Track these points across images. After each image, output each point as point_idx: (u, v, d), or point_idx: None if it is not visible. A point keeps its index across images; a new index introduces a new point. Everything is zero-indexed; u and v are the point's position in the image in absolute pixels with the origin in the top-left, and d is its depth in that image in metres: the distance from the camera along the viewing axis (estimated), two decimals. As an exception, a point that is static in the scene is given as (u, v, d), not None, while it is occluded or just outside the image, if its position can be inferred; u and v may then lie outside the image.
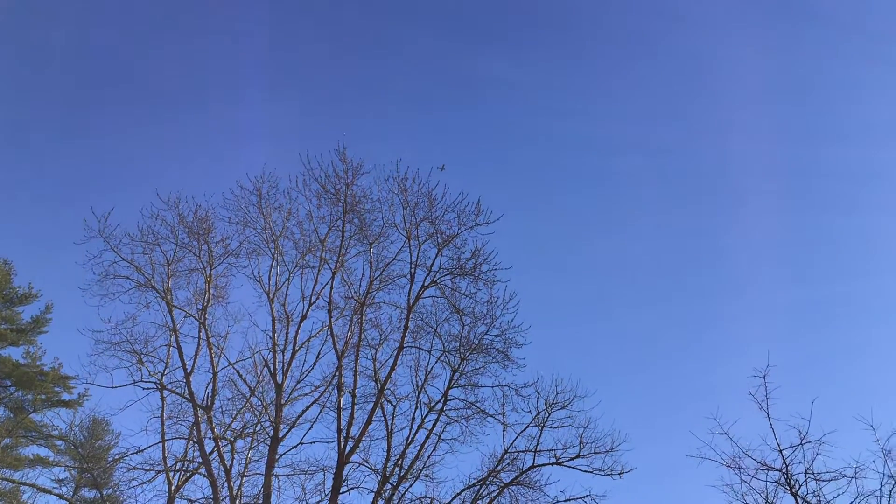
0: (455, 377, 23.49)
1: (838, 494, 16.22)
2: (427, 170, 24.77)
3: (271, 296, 25.36)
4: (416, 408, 23.34)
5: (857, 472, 16.10)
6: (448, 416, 23.48)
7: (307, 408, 24.40)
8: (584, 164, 67.46)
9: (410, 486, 22.87)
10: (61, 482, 42.26)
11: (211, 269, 25.77)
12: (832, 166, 61.74)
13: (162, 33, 63.14)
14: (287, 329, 25.06)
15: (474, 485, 22.42)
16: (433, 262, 24.61)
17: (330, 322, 24.58)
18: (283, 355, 24.64)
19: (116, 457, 27.77)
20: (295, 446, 24.14)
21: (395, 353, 23.84)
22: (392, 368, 23.63)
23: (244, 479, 24.45)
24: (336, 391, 23.68)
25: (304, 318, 25.05)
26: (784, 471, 16.74)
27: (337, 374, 23.85)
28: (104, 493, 30.82)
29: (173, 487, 23.97)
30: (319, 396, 24.46)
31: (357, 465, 23.01)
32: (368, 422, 23.04)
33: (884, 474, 15.87)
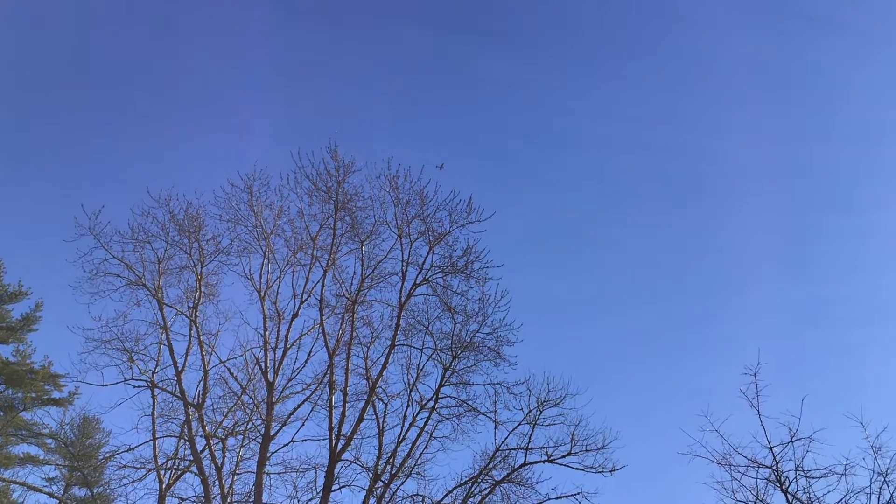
0: (447, 375, 23.51)
1: (828, 491, 16.29)
2: (419, 168, 24.90)
3: (262, 294, 25.32)
4: (408, 406, 23.37)
5: (847, 470, 16.15)
6: (440, 414, 23.52)
7: (298, 406, 24.39)
8: (582, 163, 67.53)
9: (402, 483, 22.90)
10: (51, 480, 42.05)
11: (202, 267, 25.72)
12: (829, 166, 62.06)
13: (153, 31, 62.83)
14: (278, 327, 25.05)
15: (466, 482, 22.44)
16: (425, 259, 24.67)
17: (321, 320, 24.56)
18: (275, 353, 24.62)
19: (107, 455, 27.73)
20: (286, 444, 24.12)
21: (387, 351, 23.86)
22: (384, 366, 23.65)
23: (235, 477, 24.42)
24: (327, 389, 23.66)
25: (295, 315, 25.02)
26: (774, 468, 16.79)
27: (328, 372, 23.84)
28: (95, 491, 30.67)
29: (164, 486, 23.89)
30: (311, 394, 24.44)
31: (348, 462, 23.02)
32: (360, 420, 23.03)
33: (873, 471, 15.93)
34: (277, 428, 23.73)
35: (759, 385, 17.20)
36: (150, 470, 23.85)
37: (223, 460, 23.70)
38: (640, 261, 64.87)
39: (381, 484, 22.31)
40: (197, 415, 23.57)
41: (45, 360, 38.44)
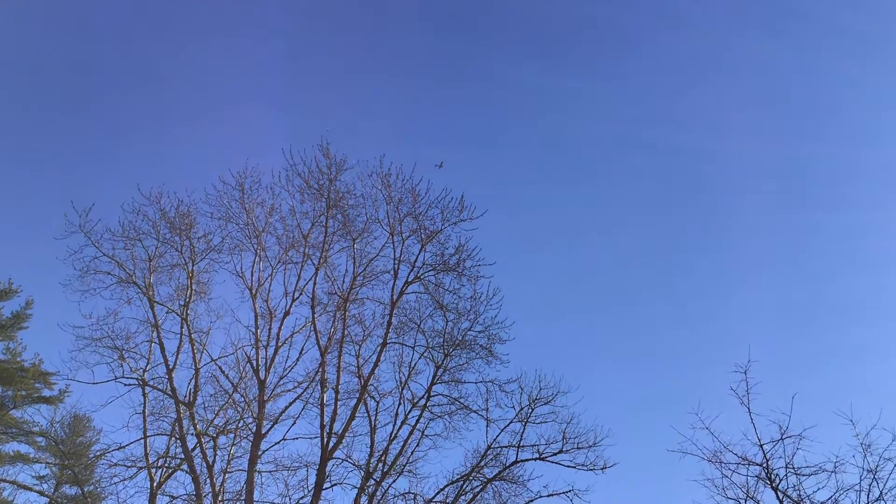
0: (439, 373, 23.54)
1: (818, 489, 16.32)
2: (411, 165, 24.92)
3: (254, 291, 25.30)
4: (400, 404, 23.40)
5: (837, 467, 16.18)
6: (431, 412, 23.55)
7: (290, 404, 24.43)
8: (578, 162, 67.59)
9: (394, 481, 22.94)
10: (42, 479, 41.88)
11: (193, 265, 25.67)
12: (826, 166, 62.28)
13: (144, 28, 62.58)
14: (270, 325, 25.05)
15: (458, 480, 22.46)
16: (417, 257, 24.70)
17: (313, 318, 24.53)
18: (266, 351, 24.63)
19: (98, 453, 27.60)
20: (278, 442, 24.16)
21: (379, 349, 23.87)
22: (375, 364, 23.65)
23: (227, 475, 24.38)
24: (319, 387, 23.64)
25: (287, 313, 25.01)
26: (765, 465, 16.82)
27: (320, 370, 23.82)
28: (85, 489, 30.59)
29: (155, 484, 23.82)
30: (302, 392, 24.49)
31: (340, 461, 23.04)
32: (352, 418, 23.03)
33: (863, 468, 15.96)
34: (269, 426, 23.75)
35: (750, 383, 17.24)
36: (140, 468, 23.83)
37: (214, 458, 23.69)
38: (637, 259, 65.00)
39: (372, 482, 22.31)
40: (188, 413, 23.52)
41: (36, 358, 38.25)
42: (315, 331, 24.35)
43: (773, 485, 16.68)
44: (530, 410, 22.96)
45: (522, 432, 22.81)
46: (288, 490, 23.51)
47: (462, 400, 23.63)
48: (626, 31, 66.39)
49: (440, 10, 66.27)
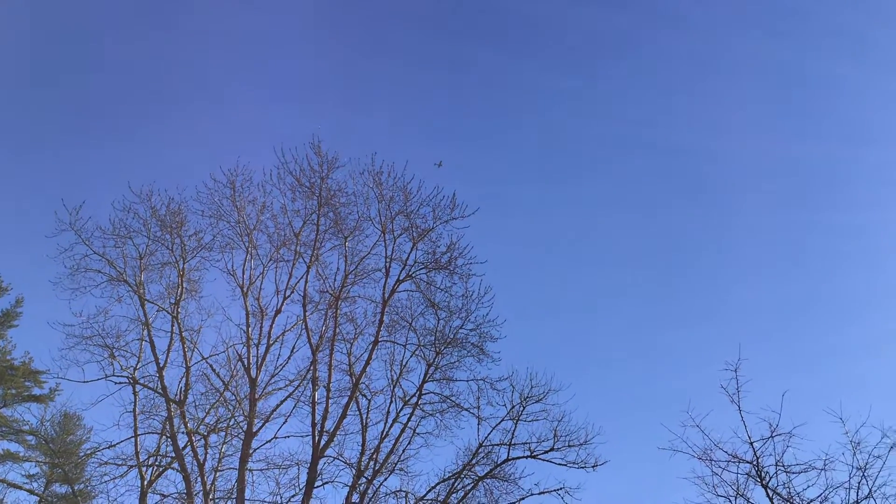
0: (430, 371, 23.55)
1: (808, 486, 16.38)
2: (403, 164, 24.94)
3: (245, 290, 25.23)
4: (391, 402, 23.44)
5: (827, 464, 16.24)
6: (423, 410, 23.57)
7: (281, 402, 24.39)
8: (576, 162, 67.69)
9: (385, 479, 22.97)
10: (32, 477, 41.66)
11: (184, 263, 25.59)
12: (821, 165, 62.47)
13: (136, 27, 62.35)
14: (261, 323, 24.99)
15: (449, 478, 22.48)
16: (408, 255, 24.72)
17: (304, 316, 24.51)
18: (258, 349, 24.58)
19: (88, 452, 27.52)
20: (269, 441, 24.11)
21: (370, 347, 23.84)
22: (367, 362, 23.65)
23: (218, 473, 24.33)
24: (310, 385, 23.63)
25: (278, 312, 24.97)
26: (755, 463, 16.88)
27: (311, 368, 23.80)
28: (76, 488, 30.55)
29: (146, 482, 23.78)
30: (294, 391, 24.45)
31: (332, 459, 23.04)
32: (343, 416, 23.02)
33: (853, 466, 16.02)
34: (260, 424, 23.71)
35: (740, 381, 17.31)
36: (131, 467, 23.77)
37: (205, 457, 23.64)
38: (630, 258, 65.12)
39: (364, 480, 22.31)
40: (179, 411, 23.46)
41: (26, 357, 38.13)
42: (306, 329, 24.35)
43: (763, 482, 16.74)
44: (521, 408, 23.01)
45: (514, 430, 22.88)
46: (279, 488, 23.50)
47: (453, 398, 23.70)
48: (626, 30, 66.52)
49: (439, 11, 66.18)
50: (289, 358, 24.78)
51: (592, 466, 22.12)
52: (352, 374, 23.75)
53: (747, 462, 17.00)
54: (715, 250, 66.39)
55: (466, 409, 23.48)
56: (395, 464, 23.00)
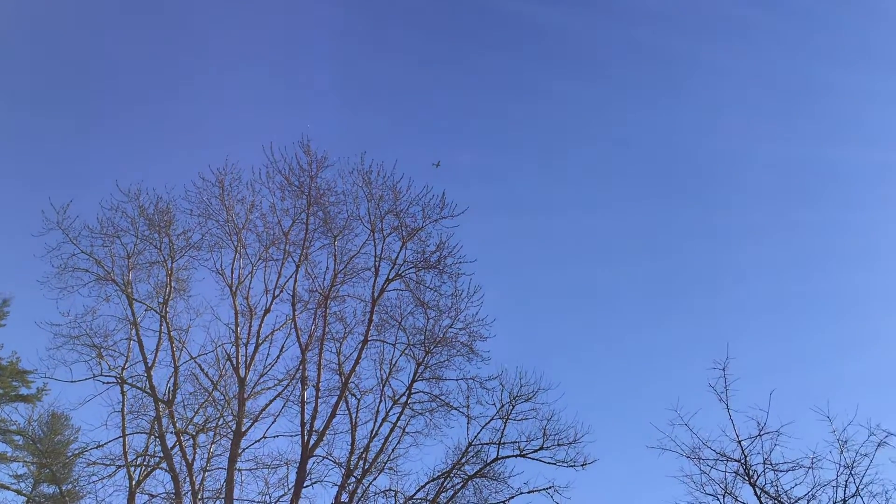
0: (419, 370, 23.54)
1: (795, 484, 16.47)
2: (392, 164, 24.97)
3: (234, 289, 25.15)
4: (381, 401, 23.41)
5: (814, 463, 16.35)
6: (412, 409, 23.56)
7: (270, 402, 24.33)
8: (575, 160, 67.74)
9: (375, 479, 22.94)
10: (20, 478, 41.47)
11: (172, 262, 25.50)
12: (820, 164, 62.72)
13: (124, 25, 62.06)
14: (250, 322, 24.91)
15: (438, 477, 22.48)
16: (398, 255, 24.71)
17: (294, 315, 24.47)
18: (246, 349, 24.50)
19: (76, 452, 27.41)
20: (258, 440, 24.07)
21: (360, 346, 23.83)
22: (356, 362, 23.62)
23: (206, 473, 24.25)
24: (300, 385, 23.58)
25: (267, 311, 24.91)
26: (743, 461, 16.96)
27: (301, 367, 23.76)
28: (63, 488, 30.36)
29: (134, 482, 23.70)
30: (283, 390, 24.38)
31: (321, 458, 22.99)
32: (332, 415, 23.00)
33: (840, 464, 16.11)
34: (249, 424, 23.64)
35: (728, 379, 17.39)
36: (119, 467, 23.67)
37: (194, 457, 23.56)
38: (621, 257, 65.22)
39: (353, 479, 22.28)
40: (167, 411, 23.39)
41: (13, 356, 37.92)
42: (296, 328, 24.31)
43: (751, 480, 16.82)
44: (511, 407, 23.01)
45: (503, 429, 22.87)
46: (268, 488, 23.45)
47: (443, 397, 23.69)
48: (627, 30, 66.58)
49: (437, 10, 66.11)
50: (278, 357, 24.76)
51: (581, 465, 22.16)
52: (341, 373, 23.72)
53: (735, 460, 17.08)
54: (707, 250, 66.66)
55: (456, 409, 23.50)
56: (385, 463, 22.99)
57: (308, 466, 22.36)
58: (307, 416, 22.90)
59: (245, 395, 23.61)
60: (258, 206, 25.93)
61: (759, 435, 16.87)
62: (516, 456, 22.68)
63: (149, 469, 24.51)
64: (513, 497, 22.30)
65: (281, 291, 25.07)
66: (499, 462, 22.70)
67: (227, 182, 25.74)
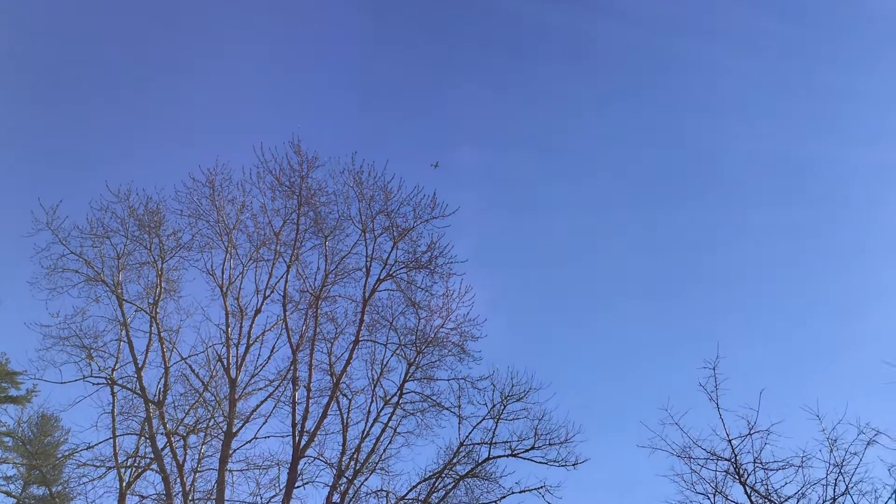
0: (411, 370, 23.55)
1: (785, 483, 16.56)
2: (382, 163, 24.91)
3: (225, 289, 25.08)
4: (372, 401, 23.40)
5: (804, 461, 16.45)
6: (404, 410, 23.56)
7: (261, 402, 24.26)
8: (574, 161, 67.72)
9: (366, 479, 22.92)
10: (9, 479, 41.26)
11: (162, 263, 25.41)
12: (818, 164, 62.86)
13: (115, 26, 61.78)
14: (241, 323, 24.85)
15: (430, 478, 22.48)
16: (389, 255, 24.72)
17: (285, 316, 24.42)
18: (237, 349, 24.43)
19: (66, 453, 27.25)
20: (249, 441, 24.03)
21: (351, 346, 23.84)
22: (347, 362, 23.62)
23: (197, 474, 24.21)
24: (291, 385, 23.55)
25: (258, 311, 24.85)
26: (733, 460, 17.02)
27: (292, 368, 23.72)
28: (54, 490, 30.25)
29: (125, 483, 23.64)
30: (274, 391, 24.32)
31: (312, 459, 23.00)
32: (324, 416, 22.97)
33: (829, 463, 16.20)
34: (240, 425, 23.58)
35: (719, 379, 17.45)
36: (109, 468, 23.62)
37: (184, 458, 23.49)
38: (614, 257, 65.20)
39: (344, 480, 22.27)
40: (157, 412, 23.33)
41: (3, 357, 37.73)
42: (287, 329, 24.27)
43: (742, 479, 16.89)
44: (502, 407, 23.04)
45: (495, 429, 22.91)
46: (259, 489, 23.44)
47: (434, 397, 23.71)
48: (627, 30, 66.55)
49: (438, 10, 65.96)
50: (269, 358, 24.69)
51: (573, 465, 22.23)
52: (332, 373, 23.70)
53: (725, 459, 17.16)
54: (704, 250, 66.70)
55: (447, 409, 23.53)
56: (376, 463, 22.98)
57: (299, 467, 22.35)
58: (298, 417, 22.89)
59: (236, 396, 23.55)
60: (249, 206, 25.91)
61: (750, 434, 16.94)
62: (508, 456, 22.72)
63: (139, 470, 24.45)
64: (504, 497, 22.36)
65: (272, 292, 25.04)
66: (490, 462, 22.74)
67: (218, 182, 25.72)
